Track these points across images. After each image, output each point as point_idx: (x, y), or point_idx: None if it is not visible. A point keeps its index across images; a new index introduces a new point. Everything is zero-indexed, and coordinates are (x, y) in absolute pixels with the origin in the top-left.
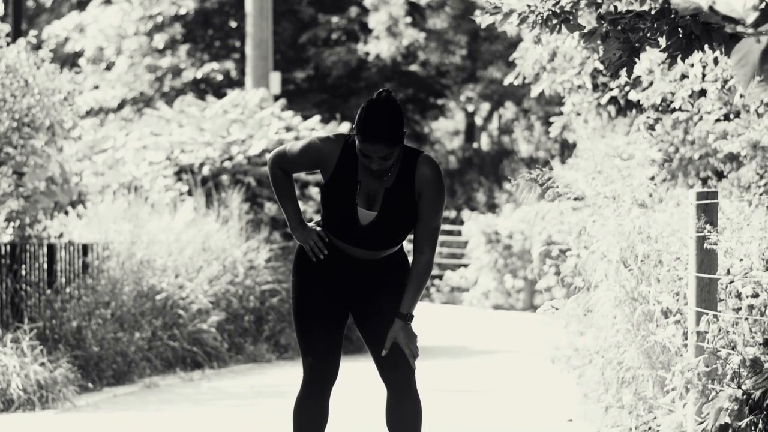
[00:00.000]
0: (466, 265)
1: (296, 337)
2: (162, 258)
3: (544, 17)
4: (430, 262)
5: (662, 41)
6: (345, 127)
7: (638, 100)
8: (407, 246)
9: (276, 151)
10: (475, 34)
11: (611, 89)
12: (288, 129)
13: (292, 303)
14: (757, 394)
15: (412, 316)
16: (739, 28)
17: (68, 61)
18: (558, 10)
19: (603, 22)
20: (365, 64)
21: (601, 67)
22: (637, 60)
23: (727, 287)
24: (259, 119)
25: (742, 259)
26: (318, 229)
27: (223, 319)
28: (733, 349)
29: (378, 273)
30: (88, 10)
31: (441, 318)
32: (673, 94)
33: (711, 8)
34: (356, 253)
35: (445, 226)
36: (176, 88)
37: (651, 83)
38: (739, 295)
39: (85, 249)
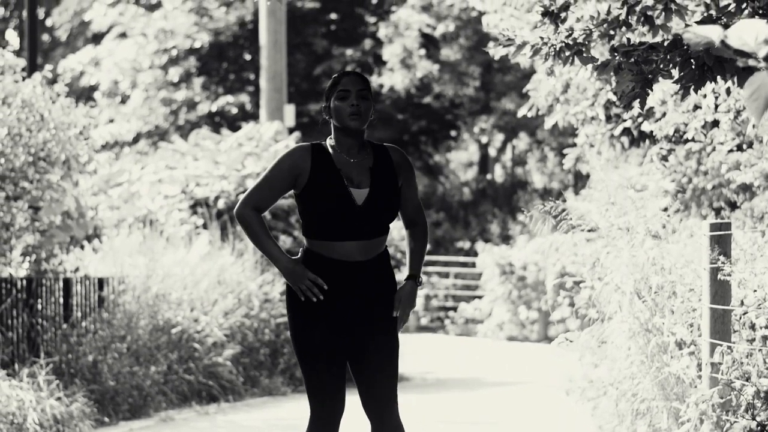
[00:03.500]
0: (480, 297)
1: (301, 374)
2: (177, 291)
3: (557, 49)
4: (425, 227)
5: (675, 72)
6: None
7: (651, 131)
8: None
9: (243, 197)
10: (488, 66)
11: (624, 120)
12: None
13: (291, 341)
14: None
15: (421, 281)
16: (752, 62)
17: (83, 94)
18: (571, 42)
19: (616, 54)
20: (379, 96)
21: (614, 98)
22: (650, 91)
23: (741, 318)
24: (274, 152)
25: (755, 290)
26: (308, 272)
27: (238, 352)
28: (747, 380)
29: (371, 297)
30: (103, 43)
31: (455, 350)
32: (686, 124)
33: (723, 42)
34: (350, 253)
35: (459, 258)
36: (191, 121)
37: (664, 114)
38: (753, 326)
39: (101, 283)
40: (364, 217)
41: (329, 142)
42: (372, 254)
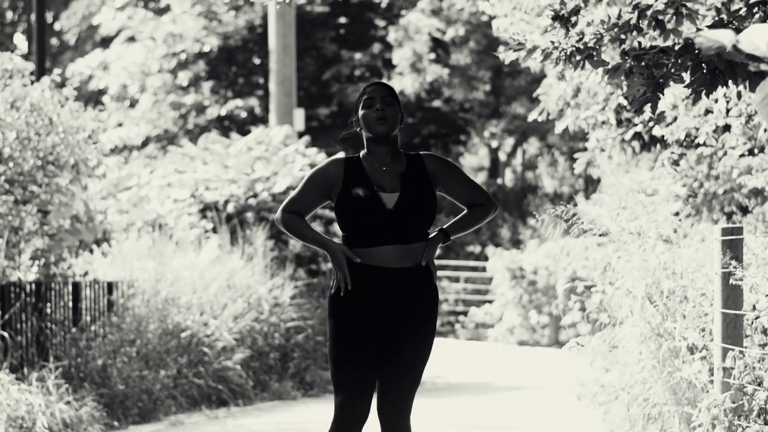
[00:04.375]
0: (490, 301)
1: (330, 375)
2: (187, 295)
3: (568, 53)
4: (488, 207)
5: (686, 77)
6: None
7: (662, 136)
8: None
9: (283, 204)
10: (498, 70)
11: (635, 125)
12: (312, 166)
13: (328, 344)
14: None
15: (449, 238)
16: (763, 66)
17: (92, 98)
18: (582, 47)
19: (627, 57)
20: None
21: (625, 102)
22: (661, 95)
23: (753, 323)
24: (284, 156)
25: (767, 295)
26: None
27: (248, 356)
28: (759, 385)
29: (411, 307)
30: (111, 47)
31: (466, 354)
32: (697, 129)
33: (734, 46)
34: (387, 258)
35: (469, 262)
36: (200, 125)
37: (675, 118)
38: (765, 331)
39: (110, 287)
40: (396, 221)
41: (363, 155)
42: (411, 261)
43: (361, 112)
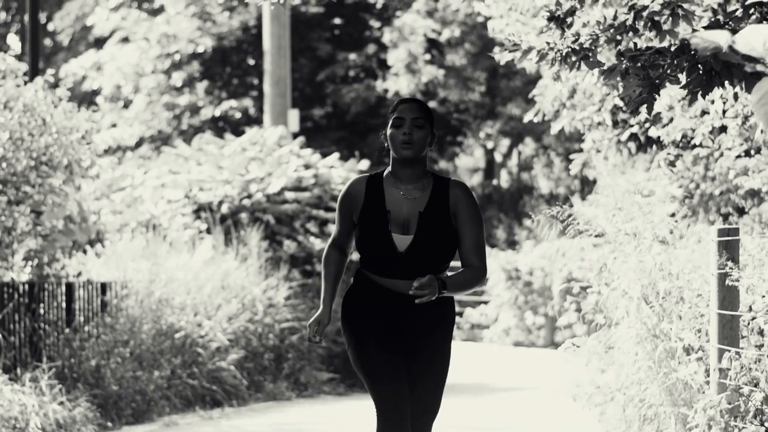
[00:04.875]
0: (486, 302)
1: (367, 388)
2: (181, 296)
3: (564, 54)
4: (480, 270)
5: (682, 78)
6: (364, 165)
7: (658, 137)
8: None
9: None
10: (494, 71)
11: (631, 126)
12: (307, 167)
13: (350, 356)
14: None
15: (445, 289)
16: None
17: (86, 99)
18: (577, 47)
19: (623, 58)
20: (384, 101)
21: (621, 103)
22: (657, 96)
23: (749, 324)
24: (278, 157)
25: (764, 296)
26: (317, 332)
27: (242, 357)
28: (755, 386)
29: (424, 324)
30: (105, 48)
31: (461, 355)
32: (693, 130)
33: (730, 47)
34: (399, 287)
35: None
36: (194, 126)
37: (671, 119)
38: (761, 332)
39: (104, 287)
40: (407, 263)
41: (387, 174)
42: None
43: (389, 131)
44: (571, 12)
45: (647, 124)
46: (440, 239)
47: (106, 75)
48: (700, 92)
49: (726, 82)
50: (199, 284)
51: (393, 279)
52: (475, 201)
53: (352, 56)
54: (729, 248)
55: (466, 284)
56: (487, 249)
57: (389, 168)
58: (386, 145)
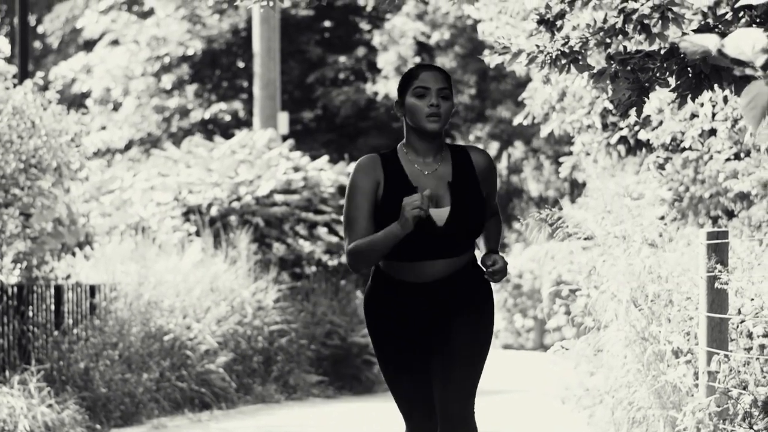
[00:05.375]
0: None
1: (390, 390)
2: (170, 299)
3: (553, 57)
4: (498, 219)
5: (672, 81)
6: (353, 167)
7: (648, 140)
8: None
9: (346, 249)
10: (483, 74)
11: (621, 129)
12: (296, 169)
13: (376, 355)
14: None
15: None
16: (749, 70)
17: (75, 102)
18: (567, 51)
19: (612, 62)
20: (373, 104)
21: (610, 106)
22: (646, 99)
23: (738, 327)
24: (267, 160)
25: (753, 299)
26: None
27: (231, 359)
28: (744, 389)
29: (458, 299)
30: (95, 50)
31: None
32: (683, 133)
33: (720, 51)
34: (431, 273)
35: None
36: (184, 128)
37: (661, 122)
38: (750, 335)
39: (93, 290)
40: (446, 239)
41: (401, 148)
42: (454, 269)
43: (409, 100)
44: (561, 15)
45: (637, 127)
46: (475, 207)
47: (95, 77)
48: (690, 95)
49: (715, 86)
50: (188, 287)
51: (431, 260)
52: (495, 166)
53: (342, 59)
54: (718, 251)
55: (498, 233)
56: (477, 252)
57: (403, 141)
58: (400, 115)
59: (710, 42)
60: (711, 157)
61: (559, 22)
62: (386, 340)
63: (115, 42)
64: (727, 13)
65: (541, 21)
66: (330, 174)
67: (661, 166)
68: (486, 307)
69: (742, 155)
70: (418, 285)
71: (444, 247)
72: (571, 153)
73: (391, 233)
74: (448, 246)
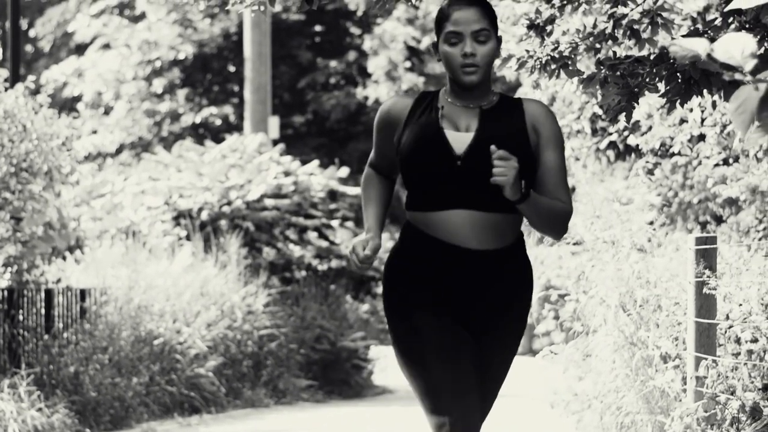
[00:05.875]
0: None
1: (411, 385)
2: (160, 303)
3: (543, 62)
4: (569, 206)
5: (661, 86)
6: (344, 172)
7: (637, 145)
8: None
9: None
10: None
11: (610, 134)
12: (286, 174)
13: (395, 349)
14: None
15: (528, 195)
16: (738, 75)
17: (66, 105)
18: (557, 56)
19: (602, 67)
20: (364, 109)
21: (600, 112)
22: (636, 105)
23: (726, 332)
24: (258, 164)
25: (741, 304)
26: (368, 247)
27: (220, 363)
28: (732, 394)
29: (491, 304)
30: (86, 54)
31: None
32: (672, 138)
33: (709, 56)
34: (457, 230)
35: None
36: (175, 132)
37: (650, 128)
38: (738, 340)
39: (83, 294)
40: (468, 173)
41: (443, 93)
42: (491, 241)
43: (442, 47)
44: (551, 20)
45: (626, 133)
46: (512, 142)
47: (86, 81)
48: (679, 101)
49: (704, 91)
50: (179, 291)
51: (449, 211)
52: (558, 125)
53: (333, 63)
54: (706, 256)
55: (552, 212)
56: None
57: (447, 86)
58: (438, 60)
59: (700, 46)
60: (700, 163)
61: (549, 27)
62: (409, 302)
63: (107, 46)
64: (716, 18)
65: (531, 26)
66: (320, 178)
67: (650, 171)
68: (524, 314)
69: (730, 161)
70: (451, 247)
71: (464, 187)
72: None
73: (365, 226)
74: (470, 185)
